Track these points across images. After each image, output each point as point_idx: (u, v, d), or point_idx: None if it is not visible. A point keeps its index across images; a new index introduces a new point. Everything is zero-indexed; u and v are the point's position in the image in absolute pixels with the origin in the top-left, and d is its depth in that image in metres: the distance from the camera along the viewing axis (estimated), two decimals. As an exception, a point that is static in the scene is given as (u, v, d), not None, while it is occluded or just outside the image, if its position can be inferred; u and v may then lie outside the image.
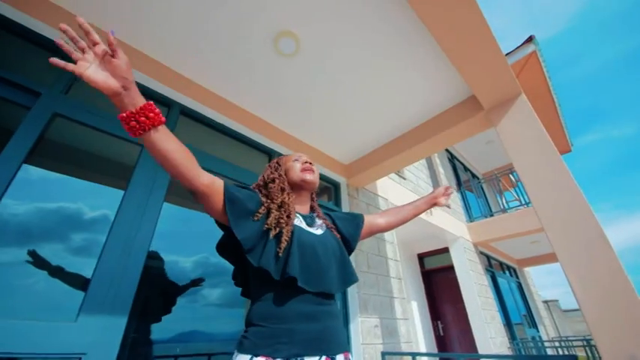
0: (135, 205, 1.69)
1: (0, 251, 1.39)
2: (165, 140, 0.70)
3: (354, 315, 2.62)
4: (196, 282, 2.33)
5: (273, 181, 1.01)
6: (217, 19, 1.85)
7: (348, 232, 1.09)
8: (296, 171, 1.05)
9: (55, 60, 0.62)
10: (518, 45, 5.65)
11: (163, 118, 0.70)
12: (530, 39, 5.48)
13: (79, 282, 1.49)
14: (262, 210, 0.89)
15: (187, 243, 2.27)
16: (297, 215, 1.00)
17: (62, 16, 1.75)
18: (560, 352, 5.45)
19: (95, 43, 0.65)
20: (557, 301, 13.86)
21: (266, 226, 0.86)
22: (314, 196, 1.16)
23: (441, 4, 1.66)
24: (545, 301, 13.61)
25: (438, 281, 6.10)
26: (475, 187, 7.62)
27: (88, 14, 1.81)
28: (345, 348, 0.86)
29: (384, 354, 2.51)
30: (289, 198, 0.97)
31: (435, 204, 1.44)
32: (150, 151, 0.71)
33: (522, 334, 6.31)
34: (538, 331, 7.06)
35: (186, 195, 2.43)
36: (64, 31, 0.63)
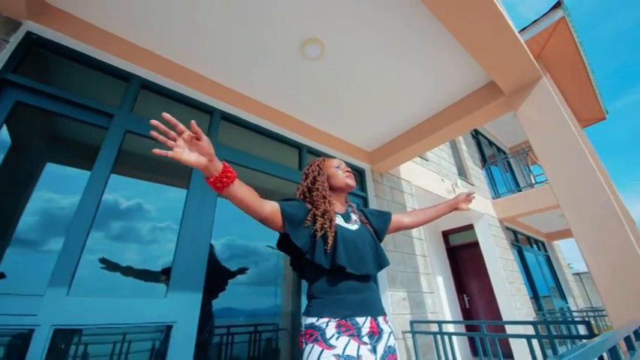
0: (196, 200, 2.01)
1: (104, 242, 1.77)
2: (239, 190, 0.93)
3: (383, 289, 2.90)
4: (243, 270, 2.71)
5: (316, 189, 1.24)
6: (247, 28, 2.06)
7: (378, 226, 1.33)
8: (340, 177, 1.29)
9: (157, 150, 0.82)
10: (546, 11, 5.38)
11: (235, 174, 0.92)
12: (558, 4, 5.19)
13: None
14: (310, 217, 1.13)
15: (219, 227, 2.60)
16: (337, 214, 1.23)
17: (126, 48, 2.03)
18: (596, 320, 5.52)
19: (182, 132, 0.84)
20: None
21: (314, 231, 1.11)
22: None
23: (455, 3, 1.77)
24: (577, 273, 13.37)
25: (463, 257, 6.26)
26: (502, 162, 7.51)
27: (147, 40, 2.08)
28: (384, 312, 1.13)
29: (412, 322, 2.80)
30: (330, 205, 1.20)
31: (456, 208, 1.57)
32: (229, 199, 0.94)
33: (550, 305, 6.41)
34: (567, 303, 7.11)
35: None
36: (156, 126, 0.82)
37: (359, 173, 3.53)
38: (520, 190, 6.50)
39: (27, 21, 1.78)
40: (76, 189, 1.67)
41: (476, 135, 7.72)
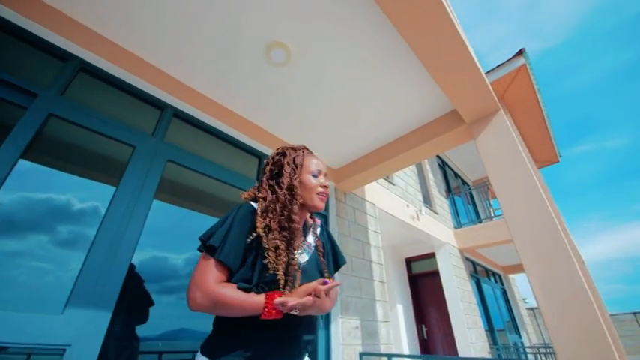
0: (125, 202, 1.76)
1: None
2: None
3: (335, 316, 2.70)
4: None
5: (288, 216, 0.90)
6: (212, 27, 1.93)
7: (329, 266, 1.05)
8: (313, 195, 0.95)
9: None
10: (509, 57, 5.82)
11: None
12: (520, 52, 5.64)
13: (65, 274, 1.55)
14: (254, 242, 0.88)
15: (179, 240, 2.26)
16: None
17: (63, 21, 1.82)
18: (539, 358, 5.60)
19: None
20: (542, 308, 14.06)
21: (253, 257, 0.87)
22: None
23: (426, 33, 1.78)
24: (531, 309, 13.85)
25: (424, 285, 6.21)
26: (465, 194, 7.79)
27: (91, 21, 1.88)
28: None
29: (361, 354, 2.60)
30: (290, 245, 0.88)
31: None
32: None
33: (505, 339, 6.46)
34: (520, 337, 7.22)
35: (179, 194, 2.48)
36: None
37: (322, 190, 3.41)
38: (480, 222, 6.70)
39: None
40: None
41: (443, 166, 7.99)
